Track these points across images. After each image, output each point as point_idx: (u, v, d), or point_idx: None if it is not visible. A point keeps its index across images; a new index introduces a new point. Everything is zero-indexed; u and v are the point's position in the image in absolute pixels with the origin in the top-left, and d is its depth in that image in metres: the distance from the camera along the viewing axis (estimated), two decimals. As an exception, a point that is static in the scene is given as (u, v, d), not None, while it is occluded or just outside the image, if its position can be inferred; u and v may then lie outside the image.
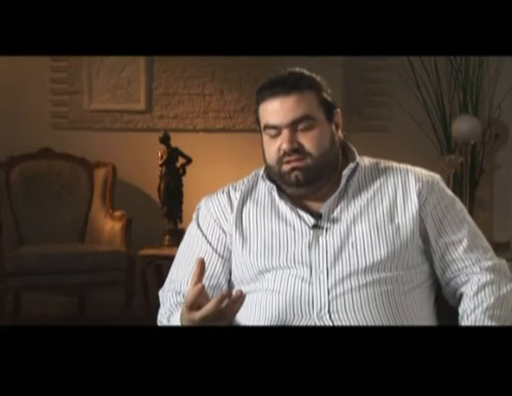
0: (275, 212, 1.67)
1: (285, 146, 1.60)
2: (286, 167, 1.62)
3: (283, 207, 1.67)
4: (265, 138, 1.66)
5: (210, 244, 1.70)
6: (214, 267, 1.69)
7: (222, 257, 1.69)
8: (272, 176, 1.67)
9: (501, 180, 4.70)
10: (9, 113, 4.83)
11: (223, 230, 1.70)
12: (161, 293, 1.73)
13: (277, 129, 1.62)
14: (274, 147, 1.63)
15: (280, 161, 1.63)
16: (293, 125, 1.61)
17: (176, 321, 1.57)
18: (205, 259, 1.68)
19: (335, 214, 1.63)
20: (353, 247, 1.59)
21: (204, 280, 1.66)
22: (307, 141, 1.61)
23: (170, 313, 1.65)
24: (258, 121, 1.68)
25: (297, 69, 1.66)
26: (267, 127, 1.64)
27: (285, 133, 1.61)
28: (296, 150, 1.61)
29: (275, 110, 1.61)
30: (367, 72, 4.78)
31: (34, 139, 4.74)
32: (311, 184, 1.63)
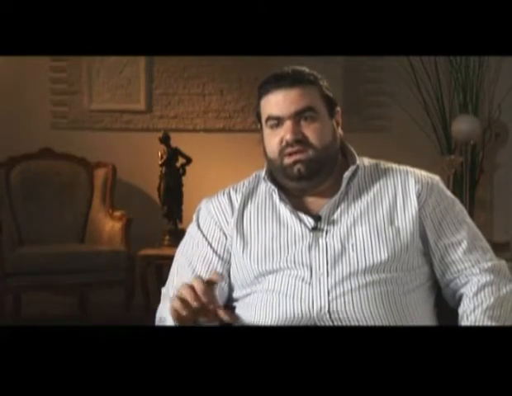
0: (275, 215, 1.67)
1: (288, 136, 1.61)
2: (288, 160, 1.62)
3: (283, 210, 1.66)
4: (267, 131, 1.66)
5: (211, 246, 1.70)
6: (214, 269, 1.68)
7: (222, 259, 1.69)
8: (274, 171, 1.68)
9: (501, 180, 4.70)
10: (9, 113, 4.83)
11: (223, 232, 1.70)
12: (164, 290, 1.73)
13: (280, 121, 1.62)
14: (276, 139, 1.63)
15: (282, 153, 1.63)
16: (296, 116, 1.61)
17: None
18: (205, 261, 1.69)
19: (335, 216, 1.63)
20: (353, 249, 1.59)
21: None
22: (310, 132, 1.62)
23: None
24: (258, 117, 1.69)
25: (299, 67, 1.67)
26: (270, 118, 1.64)
27: (288, 124, 1.61)
28: (300, 141, 1.61)
29: (279, 102, 1.62)
30: (367, 72, 4.79)
31: (34, 139, 4.74)
32: (313, 177, 1.63)
